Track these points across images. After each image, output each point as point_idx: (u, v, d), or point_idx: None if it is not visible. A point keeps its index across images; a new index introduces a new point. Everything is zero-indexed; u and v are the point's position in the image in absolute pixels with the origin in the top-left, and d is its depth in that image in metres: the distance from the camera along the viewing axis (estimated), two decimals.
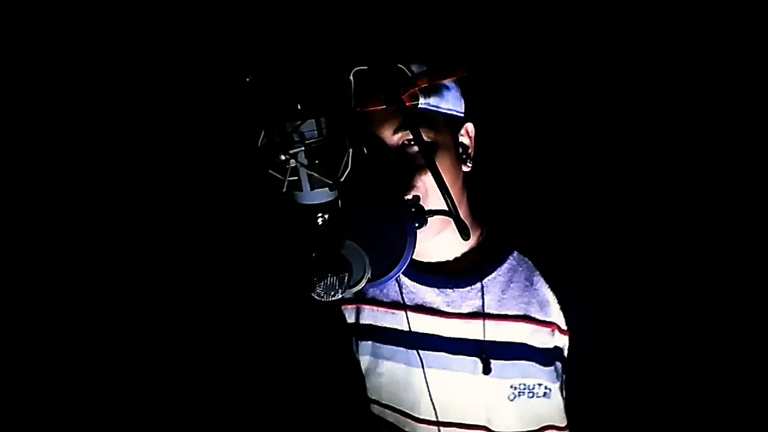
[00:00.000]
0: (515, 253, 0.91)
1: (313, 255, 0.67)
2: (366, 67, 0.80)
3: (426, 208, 0.77)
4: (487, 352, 0.86)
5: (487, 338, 0.87)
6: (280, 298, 1.03)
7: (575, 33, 1.26)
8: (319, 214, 0.67)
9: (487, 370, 0.86)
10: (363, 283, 0.69)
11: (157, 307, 1.36)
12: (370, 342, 0.96)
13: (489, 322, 0.87)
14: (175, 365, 1.34)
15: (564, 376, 0.88)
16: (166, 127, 1.35)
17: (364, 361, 0.97)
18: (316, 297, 0.64)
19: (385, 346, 0.94)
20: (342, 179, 0.66)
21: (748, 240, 1.22)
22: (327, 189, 0.66)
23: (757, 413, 1.15)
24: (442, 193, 0.73)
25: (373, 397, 1.00)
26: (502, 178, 1.18)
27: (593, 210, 1.26)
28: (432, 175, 0.73)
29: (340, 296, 0.65)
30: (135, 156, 1.36)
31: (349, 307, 0.99)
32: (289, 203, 0.67)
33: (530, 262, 0.90)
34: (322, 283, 0.64)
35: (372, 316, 0.96)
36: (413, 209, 0.76)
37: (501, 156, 1.14)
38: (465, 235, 0.75)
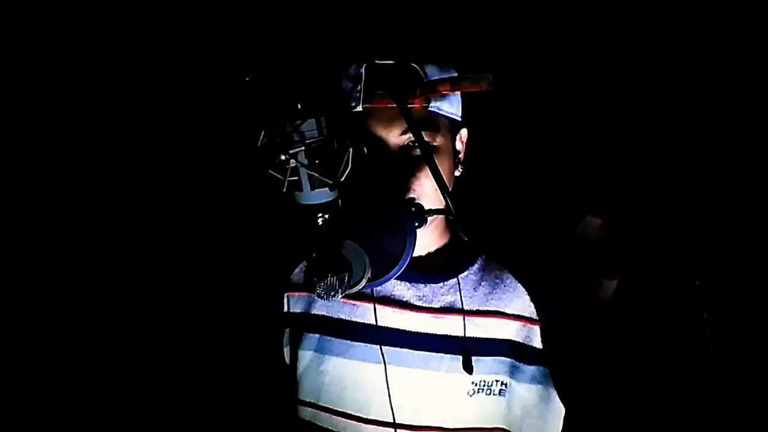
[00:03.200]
0: (483, 256, 0.93)
1: (313, 255, 0.67)
2: (379, 63, 0.80)
3: (421, 205, 0.78)
4: (464, 348, 0.85)
5: (459, 334, 0.86)
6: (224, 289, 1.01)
7: (564, 38, 1.26)
8: (319, 214, 0.67)
9: (468, 367, 0.84)
10: (363, 283, 0.69)
11: (154, 306, 1.35)
12: (317, 335, 0.88)
13: (462, 318, 0.87)
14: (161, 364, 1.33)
15: (531, 369, 0.87)
16: (167, 127, 1.35)
17: (305, 356, 0.89)
18: (317, 297, 0.65)
19: (336, 339, 0.87)
20: (342, 179, 0.66)
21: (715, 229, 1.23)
22: (327, 189, 0.66)
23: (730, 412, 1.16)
24: (443, 195, 0.73)
25: (308, 399, 0.90)
26: (473, 180, 1.18)
27: (554, 211, 1.27)
28: (434, 177, 0.73)
29: (340, 296, 0.65)
30: (135, 156, 1.36)
31: (297, 294, 0.92)
32: (289, 203, 0.67)
33: (498, 263, 0.93)
34: (323, 283, 0.64)
35: (326, 306, 0.89)
36: (413, 209, 0.76)
37: (473, 160, 1.13)
38: (466, 235, 0.76)
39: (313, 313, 0.90)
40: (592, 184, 1.31)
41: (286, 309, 0.93)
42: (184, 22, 1.27)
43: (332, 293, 0.64)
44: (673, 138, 1.27)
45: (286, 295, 0.93)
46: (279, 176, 0.64)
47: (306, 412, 0.91)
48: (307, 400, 0.90)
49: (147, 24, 1.28)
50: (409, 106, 0.77)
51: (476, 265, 0.92)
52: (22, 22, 1.24)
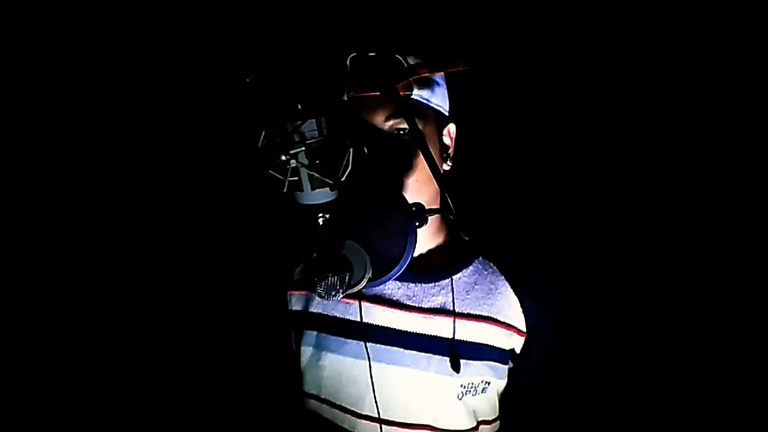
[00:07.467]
0: (480, 258, 0.93)
1: (314, 255, 0.67)
2: (363, 54, 0.81)
3: (421, 205, 0.78)
4: (455, 350, 0.86)
5: (449, 336, 0.87)
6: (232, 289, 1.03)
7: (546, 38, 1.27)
8: (320, 214, 0.67)
9: (456, 367, 0.85)
10: (364, 283, 0.70)
11: (154, 306, 1.36)
12: (315, 332, 0.91)
13: (453, 320, 0.87)
14: (165, 364, 1.33)
15: (507, 370, 0.93)
16: (167, 127, 1.35)
17: (306, 351, 0.92)
18: (317, 297, 0.65)
19: (332, 337, 0.90)
20: (342, 179, 0.66)
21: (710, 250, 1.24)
22: (327, 189, 0.66)
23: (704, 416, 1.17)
24: (438, 184, 0.73)
25: (311, 392, 0.93)
26: (472, 181, 1.18)
27: (555, 219, 1.28)
28: (426, 161, 0.73)
29: (341, 296, 0.65)
30: (135, 156, 1.36)
31: (298, 294, 0.94)
32: (289, 203, 0.67)
33: (494, 267, 0.93)
34: (323, 283, 0.64)
35: (323, 304, 0.91)
36: (413, 208, 0.76)
37: (473, 160, 1.13)
38: (466, 233, 0.75)
39: (311, 311, 0.92)
40: (590, 182, 1.31)
41: (289, 307, 0.95)
42: (184, 23, 1.27)
43: (333, 293, 0.64)
44: (673, 135, 1.27)
45: (289, 293, 0.95)
46: (279, 176, 0.64)
47: (311, 404, 0.94)
48: (311, 392, 0.93)
49: (147, 24, 1.28)
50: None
51: (472, 267, 0.92)
52: (22, 22, 1.24)
